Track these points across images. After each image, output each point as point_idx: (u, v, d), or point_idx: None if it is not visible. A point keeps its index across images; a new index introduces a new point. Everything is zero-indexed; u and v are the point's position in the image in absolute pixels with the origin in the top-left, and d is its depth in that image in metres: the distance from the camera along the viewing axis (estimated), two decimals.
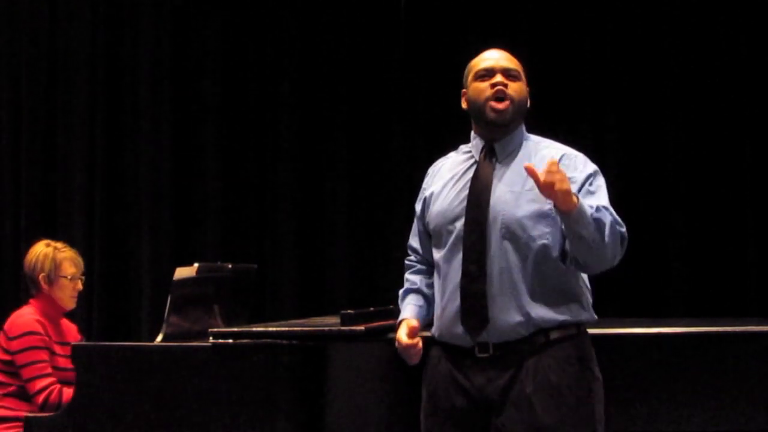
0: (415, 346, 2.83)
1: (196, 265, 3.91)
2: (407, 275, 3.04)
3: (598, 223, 2.58)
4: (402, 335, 2.86)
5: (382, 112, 5.78)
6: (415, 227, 3.04)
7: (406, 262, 3.08)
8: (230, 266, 4.26)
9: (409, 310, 2.95)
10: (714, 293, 5.36)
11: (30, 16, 5.97)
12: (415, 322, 2.90)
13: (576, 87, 5.50)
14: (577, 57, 5.45)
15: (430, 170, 3.00)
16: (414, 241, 3.03)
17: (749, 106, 5.45)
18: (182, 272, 3.82)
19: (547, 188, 2.52)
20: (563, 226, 2.64)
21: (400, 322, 2.94)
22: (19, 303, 5.51)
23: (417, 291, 2.98)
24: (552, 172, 2.51)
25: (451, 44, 5.67)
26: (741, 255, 5.41)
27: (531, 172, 2.55)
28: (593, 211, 2.59)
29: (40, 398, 3.73)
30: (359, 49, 5.81)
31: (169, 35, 5.92)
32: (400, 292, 3.03)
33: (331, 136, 5.81)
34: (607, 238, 2.59)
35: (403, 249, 5.81)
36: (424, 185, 2.99)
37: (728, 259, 5.42)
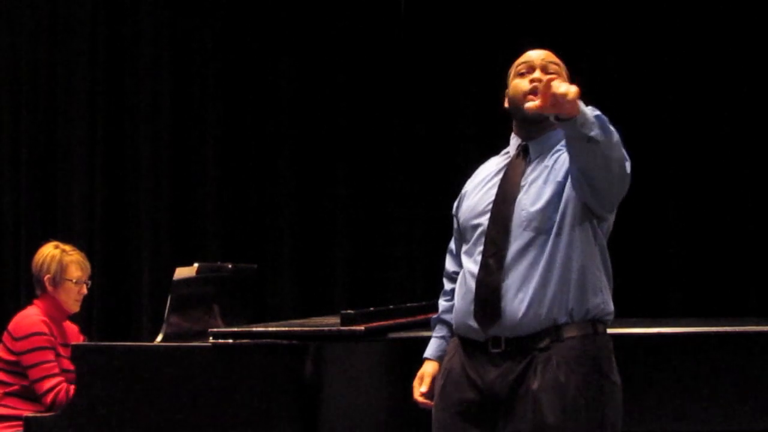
0: (426, 404, 2.89)
1: (196, 265, 3.92)
2: (440, 298, 3.06)
3: (600, 120, 2.51)
4: (416, 391, 2.93)
5: (383, 112, 5.78)
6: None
7: (443, 277, 3.07)
8: (230, 266, 4.27)
9: (433, 345, 2.99)
10: (714, 293, 5.36)
11: (30, 11, 5.98)
12: (434, 367, 2.93)
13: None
14: (577, 56, 5.44)
15: (476, 172, 2.98)
16: (452, 242, 3.02)
17: (749, 106, 5.45)
18: (182, 272, 3.83)
19: (548, 101, 2.43)
20: (569, 144, 2.57)
21: (425, 360, 2.99)
22: (19, 302, 5.54)
23: (441, 321, 3.01)
24: (545, 86, 2.41)
25: (451, 44, 5.68)
26: (741, 255, 5.41)
27: (533, 109, 2.48)
28: (591, 109, 2.53)
29: (49, 398, 3.73)
30: (360, 48, 5.81)
31: (169, 35, 5.92)
32: (432, 317, 3.06)
33: (332, 136, 5.81)
34: (614, 137, 2.54)
35: (403, 248, 5.84)
36: (466, 183, 2.97)
37: (728, 259, 5.42)
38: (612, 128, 2.54)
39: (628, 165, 2.64)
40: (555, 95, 2.40)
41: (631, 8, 5.59)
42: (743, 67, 5.46)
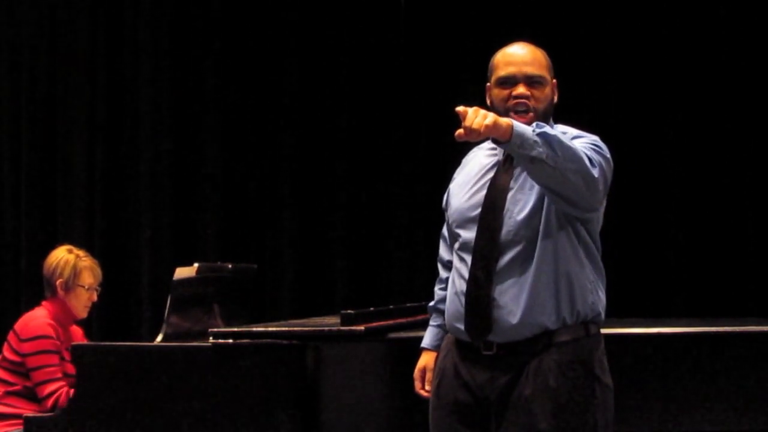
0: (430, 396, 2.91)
1: (196, 265, 3.92)
2: (435, 286, 3.06)
3: (545, 137, 2.49)
4: (418, 384, 2.98)
5: (383, 113, 5.77)
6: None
7: (438, 263, 3.07)
8: (230, 266, 4.27)
9: (430, 334, 3.02)
10: (714, 293, 5.36)
11: (30, 21, 5.98)
12: (432, 357, 2.96)
13: (575, 86, 5.49)
14: (577, 55, 5.45)
15: (464, 160, 2.98)
16: (444, 229, 3.01)
17: (749, 106, 5.45)
18: (182, 272, 3.83)
19: (472, 133, 2.44)
20: (519, 163, 2.61)
21: (422, 350, 3.01)
22: (18, 302, 5.54)
23: (437, 310, 3.02)
24: (465, 118, 2.44)
25: (452, 43, 5.67)
26: (741, 255, 5.41)
27: (458, 136, 2.49)
28: (534, 128, 2.51)
29: (49, 402, 3.71)
30: (361, 48, 5.80)
31: (170, 36, 5.92)
32: (429, 305, 3.06)
33: (332, 136, 5.81)
34: (565, 152, 2.51)
35: (403, 248, 5.83)
36: (454, 174, 2.97)
37: (728, 259, 5.42)
38: (564, 142, 2.52)
39: (595, 171, 2.61)
40: (470, 129, 2.42)
41: (632, 7, 5.58)
42: (743, 68, 5.45)
